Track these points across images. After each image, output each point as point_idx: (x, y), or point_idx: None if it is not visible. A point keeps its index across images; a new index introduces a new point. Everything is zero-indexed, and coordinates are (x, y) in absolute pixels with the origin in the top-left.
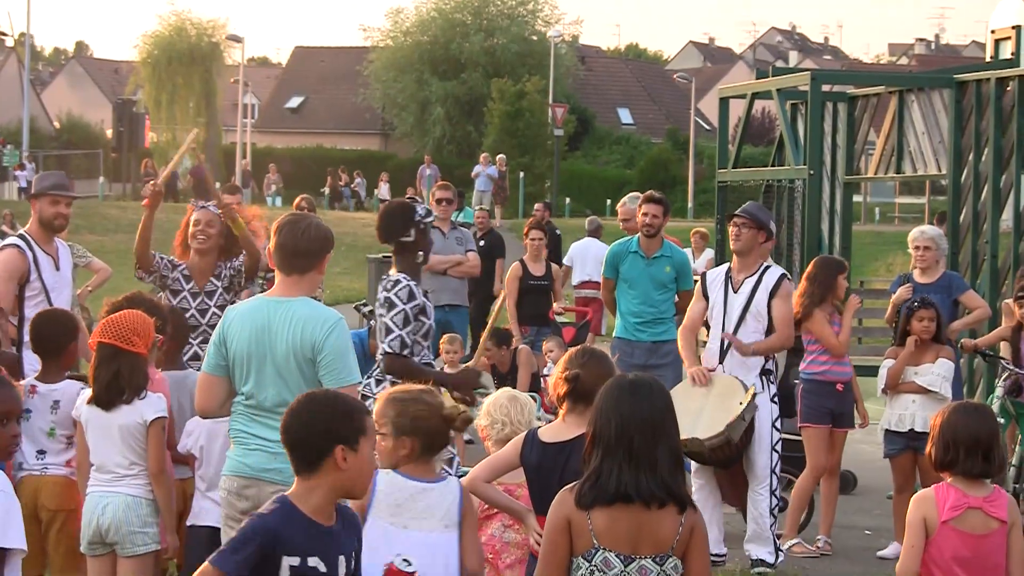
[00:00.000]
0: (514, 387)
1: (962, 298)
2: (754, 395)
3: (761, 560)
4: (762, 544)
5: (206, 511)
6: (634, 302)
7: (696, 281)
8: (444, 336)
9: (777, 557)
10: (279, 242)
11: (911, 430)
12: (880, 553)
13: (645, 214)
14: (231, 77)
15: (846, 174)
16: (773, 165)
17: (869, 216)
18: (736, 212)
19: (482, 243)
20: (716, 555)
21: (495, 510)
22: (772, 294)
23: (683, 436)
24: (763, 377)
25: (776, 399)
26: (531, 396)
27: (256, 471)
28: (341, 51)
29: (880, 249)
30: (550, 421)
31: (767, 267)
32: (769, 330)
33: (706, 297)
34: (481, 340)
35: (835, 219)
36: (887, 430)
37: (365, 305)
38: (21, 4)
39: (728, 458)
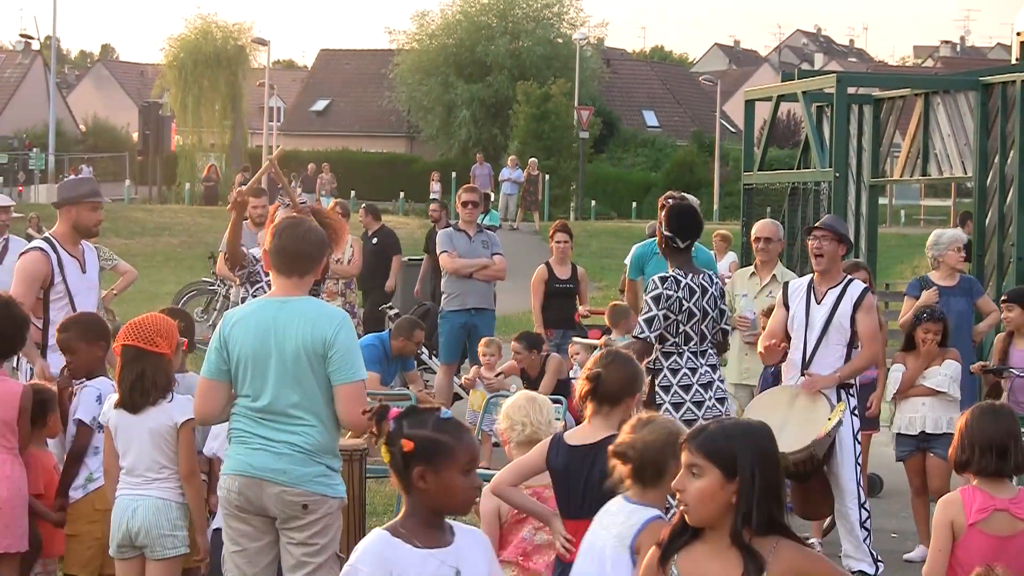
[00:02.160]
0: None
1: (979, 302)
2: (841, 412)
3: (862, 572)
4: (861, 556)
5: None
6: None
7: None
8: (483, 339)
9: (877, 568)
10: (280, 245)
11: (922, 432)
12: (907, 556)
13: None
14: (257, 80)
15: (871, 176)
16: (799, 168)
17: (895, 218)
18: (817, 225)
19: (374, 241)
20: None
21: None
22: (856, 307)
23: None
24: (843, 390)
25: (856, 412)
26: (556, 399)
27: (261, 471)
28: (366, 54)
29: (906, 251)
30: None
31: (851, 279)
32: (852, 342)
33: (787, 307)
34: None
35: (861, 221)
36: (898, 434)
37: (391, 308)
38: (47, 7)
39: (809, 472)
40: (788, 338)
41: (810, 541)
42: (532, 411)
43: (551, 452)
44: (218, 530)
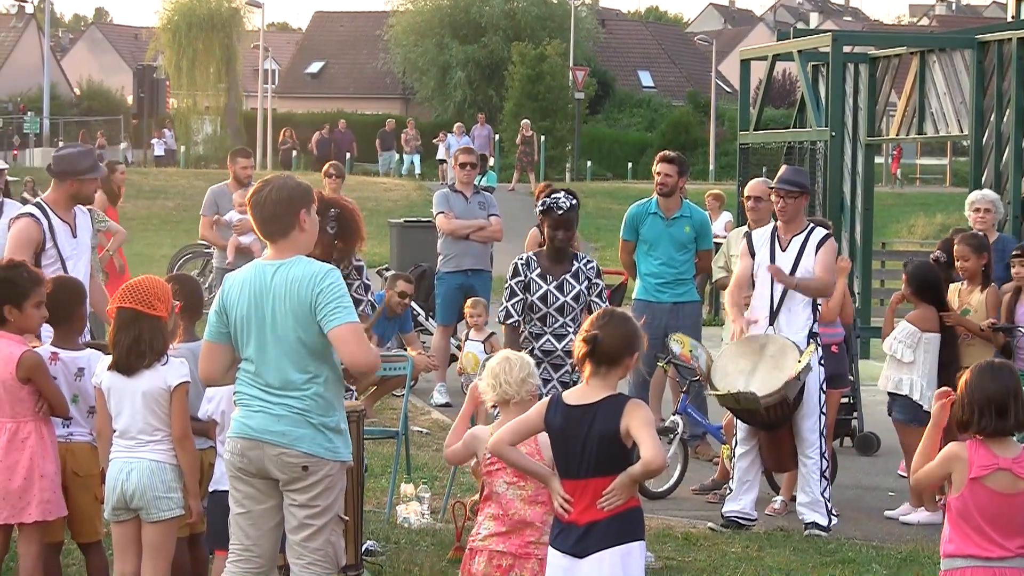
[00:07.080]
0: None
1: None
2: (811, 354)
3: (815, 523)
4: (815, 507)
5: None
6: (655, 263)
7: (717, 243)
8: (468, 300)
9: (830, 520)
10: (252, 215)
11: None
12: (904, 519)
13: (659, 173)
14: (251, 43)
15: (868, 135)
16: (794, 127)
17: (890, 177)
18: (774, 184)
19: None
20: (747, 519)
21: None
22: (818, 249)
23: (737, 390)
24: (810, 339)
25: (823, 362)
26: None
27: (259, 432)
28: (361, 16)
29: (902, 210)
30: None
31: (813, 227)
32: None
33: (752, 255)
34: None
35: (857, 181)
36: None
37: (388, 269)
38: None
39: (781, 418)
40: (753, 285)
41: (776, 498)
42: (502, 371)
43: (549, 412)
44: (215, 492)
